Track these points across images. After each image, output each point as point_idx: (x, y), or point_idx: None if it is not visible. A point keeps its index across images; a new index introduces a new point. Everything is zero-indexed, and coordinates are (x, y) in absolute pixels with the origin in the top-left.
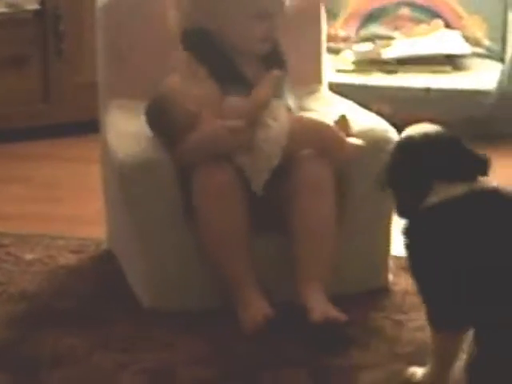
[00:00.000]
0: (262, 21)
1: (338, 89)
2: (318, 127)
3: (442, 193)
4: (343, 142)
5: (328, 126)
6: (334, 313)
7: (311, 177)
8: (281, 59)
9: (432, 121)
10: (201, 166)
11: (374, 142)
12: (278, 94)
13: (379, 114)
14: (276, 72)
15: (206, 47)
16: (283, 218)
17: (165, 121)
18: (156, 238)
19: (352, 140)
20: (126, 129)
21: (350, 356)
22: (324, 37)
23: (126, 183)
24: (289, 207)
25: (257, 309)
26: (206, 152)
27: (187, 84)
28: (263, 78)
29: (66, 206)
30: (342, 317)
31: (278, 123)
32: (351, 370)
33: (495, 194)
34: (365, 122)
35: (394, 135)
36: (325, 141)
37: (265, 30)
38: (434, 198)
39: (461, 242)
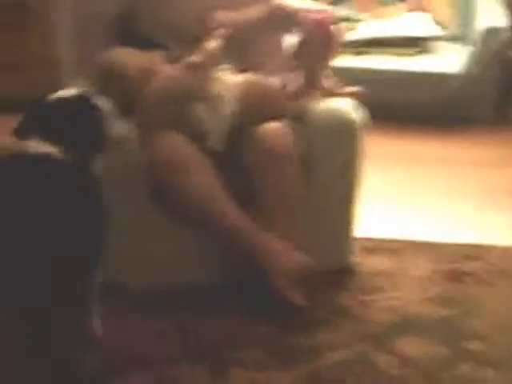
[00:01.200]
0: None
1: None
2: (265, 89)
3: None
4: (285, 103)
5: (274, 90)
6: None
7: (273, 150)
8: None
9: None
10: (156, 140)
11: (338, 123)
12: (226, 55)
13: (350, 95)
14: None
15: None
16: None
17: (120, 82)
18: None
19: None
20: None
21: (315, 336)
22: None
23: None
24: (254, 181)
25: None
26: (166, 101)
27: (133, 51)
28: (211, 34)
29: None
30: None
31: (226, 88)
32: (317, 349)
33: None
34: (329, 103)
35: (358, 116)
36: (270, 102)
37: (200, 8)
38: None
39: None
